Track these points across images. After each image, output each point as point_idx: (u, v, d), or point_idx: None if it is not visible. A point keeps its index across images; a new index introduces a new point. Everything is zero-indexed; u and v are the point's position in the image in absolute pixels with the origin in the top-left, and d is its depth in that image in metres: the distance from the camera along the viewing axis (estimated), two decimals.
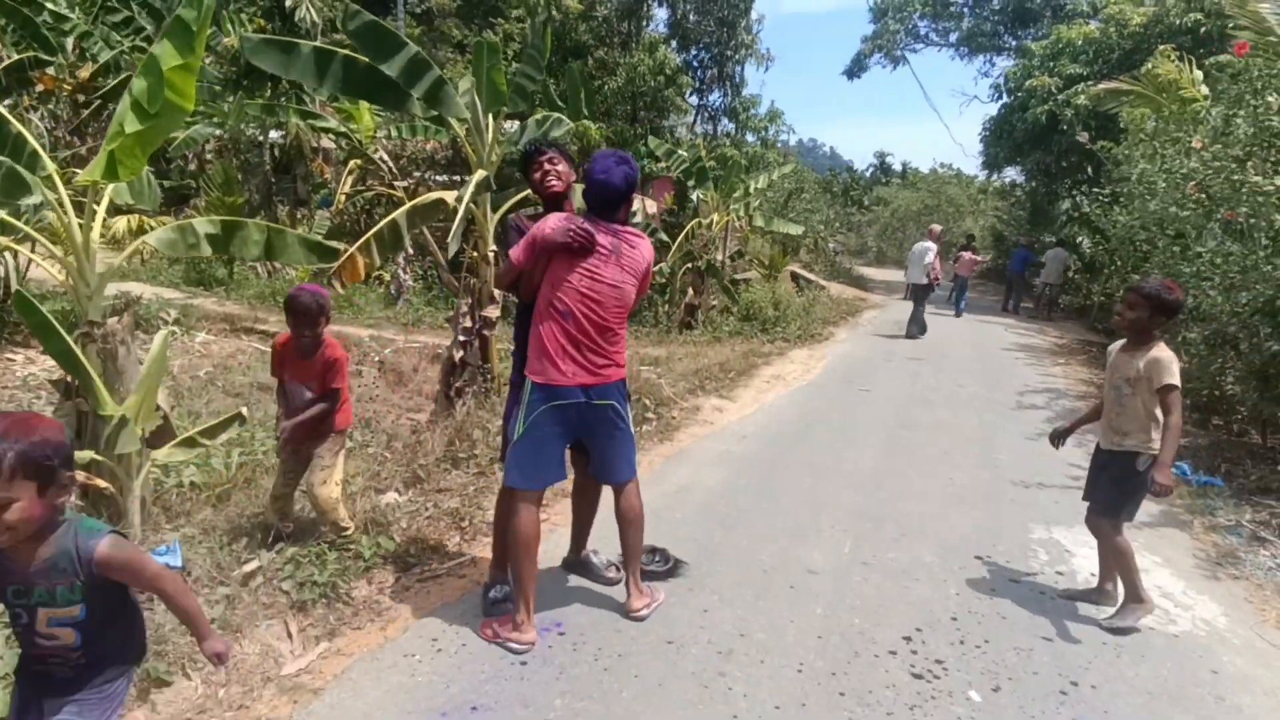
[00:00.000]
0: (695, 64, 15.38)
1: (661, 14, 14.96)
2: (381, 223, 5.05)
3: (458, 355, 5.77)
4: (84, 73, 14.28)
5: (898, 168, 41.46)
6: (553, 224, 2.80)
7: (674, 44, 14.35)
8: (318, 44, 5.16)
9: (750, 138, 13.44)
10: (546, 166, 3.02)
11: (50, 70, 13.51)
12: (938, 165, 39.35)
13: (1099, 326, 14.95)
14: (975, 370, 9.27)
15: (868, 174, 40.28)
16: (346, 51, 5.09)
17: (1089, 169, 16.71)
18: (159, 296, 9.74)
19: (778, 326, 11.11)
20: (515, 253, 2.87)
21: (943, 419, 6.72)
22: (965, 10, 22.65)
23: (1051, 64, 15.43)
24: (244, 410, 3.96)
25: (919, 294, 11.96)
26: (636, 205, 6.30)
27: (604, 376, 2.85)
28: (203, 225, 3.79)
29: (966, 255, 14.90)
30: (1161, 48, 13.36)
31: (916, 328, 11.84)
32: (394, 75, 4.96)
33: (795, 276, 17.46)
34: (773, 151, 13.68)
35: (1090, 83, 14.59)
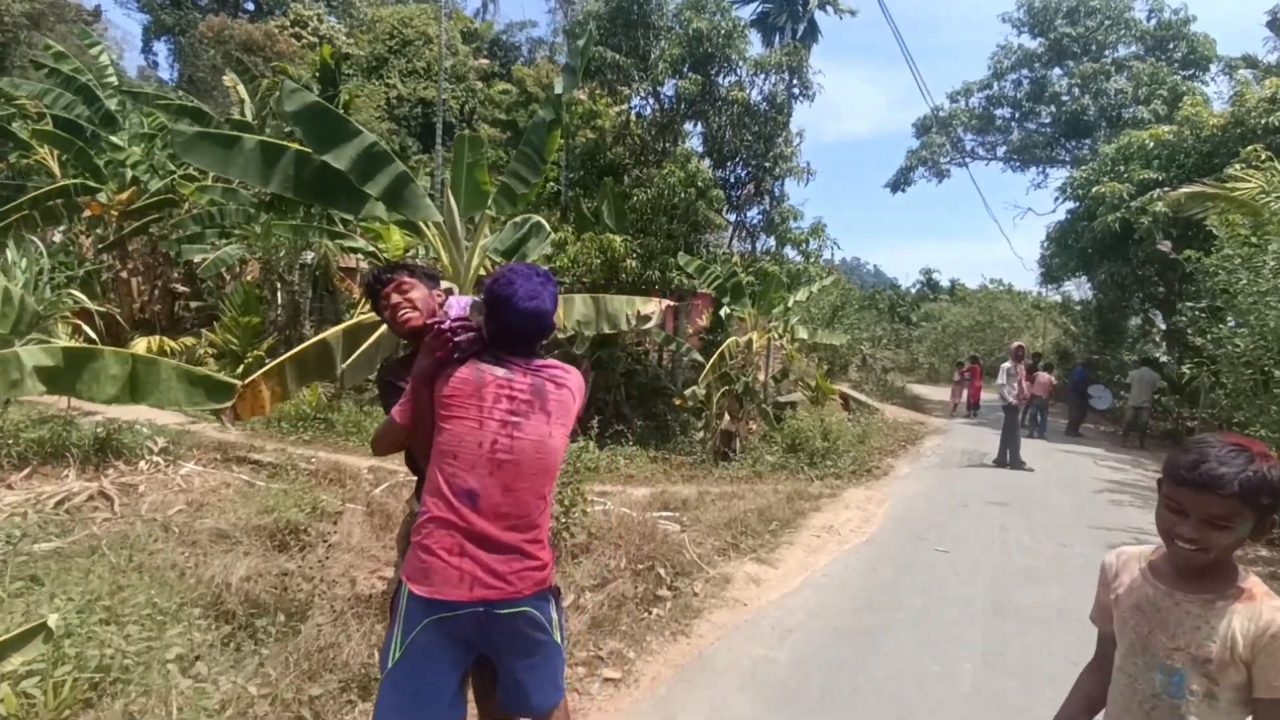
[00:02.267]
0: (731, 180, 14.78)
1: (697, 131, 14.55)
2: (304, 345, 3.97)
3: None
4: (123, 196, 14.44)
5: (945, 284, 40.88)
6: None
7: (708, 161, 13.81)
8: (265, 138, 4.29)
9: (791, 253, 12.49)
10: (394, 297, 2.42)
11: (100, 197, 13.74)
12: (987, 281, 38.75)
13: None
14: (1075, 520, 7.58)
15: (914, 291, 39.79)
16: (299, 145, 4.20)
17: (1169, 281, 15.26)
18: (152, 423, 8.89)
19: (828, 460, 9.63)
20: (397, 410, 2.17)
21: (1056, 600, 5.09)
22: (1013, 124, 22.09)
23: (1121, 169, 14.35)
24: (51, 620, 2.73)
25: (1008, 418, 10.63)
26: (652, 309, 5.17)
27: (514, 587, 2.00)
28: (32, 356, 2.70)
29: (1044, 376, 13.36)
30: (1248, 149, 12.22)
31: (1011, 459, 10.51)
32: (345, 169, 4.02)
33: (845, 399, 16.04)
34: (815, 267, 12.65)
35: (1166, 189, 13.40)
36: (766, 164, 12.59)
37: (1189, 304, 10.35)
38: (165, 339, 12.33)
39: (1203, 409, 13.78)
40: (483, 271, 4.99)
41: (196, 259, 13.56)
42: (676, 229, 12.33)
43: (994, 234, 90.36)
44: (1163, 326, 20.14)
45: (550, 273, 2.20)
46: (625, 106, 15.76)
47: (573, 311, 5.19)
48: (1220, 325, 10.32)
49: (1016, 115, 21.95)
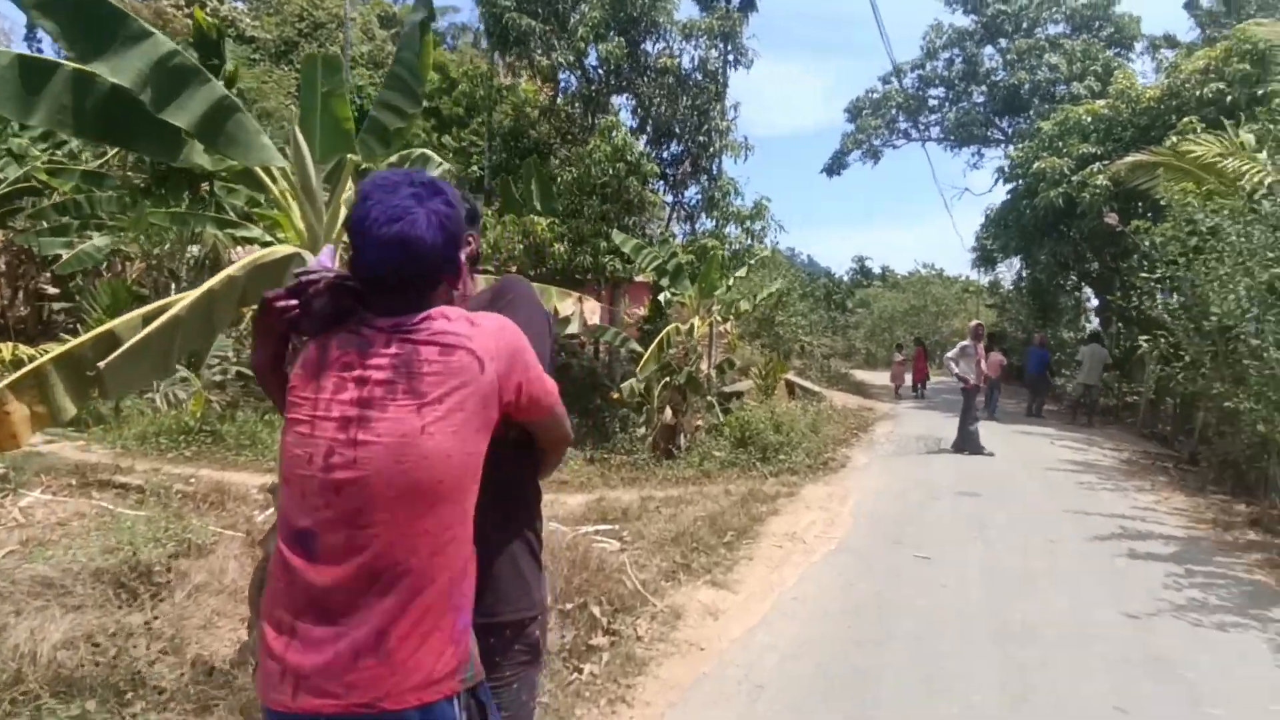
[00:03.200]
0: (668, 158, 13.86)
1: (628, 106, 13.54)
2: (75, 341, 2.79)
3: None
4: None
5: (877, 271, 41.46)
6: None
7: (644, 139, 12.84)
8: (27, 54, 3.07)
9: (734, 231, 11.63)
10: None
11: None
12: (919, 266, 39.34)
13: (1148, 432, 12.78)
14: (1051, 509, 6.92)
15: (847, 278, 40.26)
16: (77, 66, 3.00)
17: (1113, 255, 15.05)
18: None
19: (781, 454, 8.80)
20: None
21: (1065, 612, 4.32)
22: (947, 103, 21.87)
23: (1059, 145, 14.04)
24: None
25: (967, 400, 9.91)
26: (570, 309, 4.13)
27: (360, 694, 1.18)
28: None
29: (996, 356, 12.89)
30: (1184, 120, 11.99)
31: (968, 443, 9.83)
32: (131, 85, 2.85)
33: (790, 386, 15.36)
34: (759, 246, 11.84)
35: (1105, 162, 13.12)
36: (702, 137, 11.68)
37: (1143, 274, 9.95)
38: (20, 346, 10.64)
39: (1146, 384, 13.61)
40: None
41: (57, 254, 11.84)
42: (609, 209, 11.33)
43: (924, 219, 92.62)
44: (1094, 303, 20.27)
45: (442, 183, 1.35)
46: (548, 81, 14.67)
47: None
48: (1174, 295, 9.99)
49: (950, 94, 21.75)
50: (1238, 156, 8.57)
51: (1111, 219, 11.83)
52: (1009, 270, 26.47)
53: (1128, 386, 15.78)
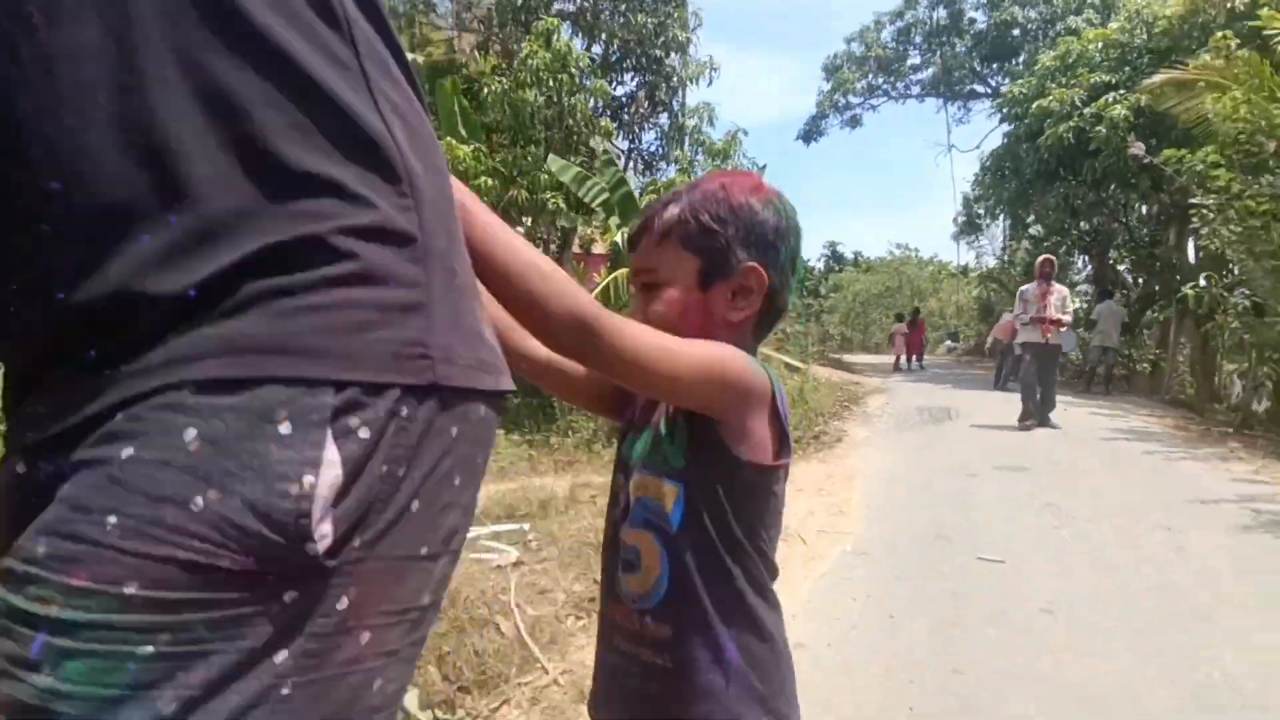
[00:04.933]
0: (621, 97, 11.85)
1: (569, 16, 11.49)
2: None
3: None
4: None
5: (849, 256, 40.69)
6: None
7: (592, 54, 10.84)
8: None
9: (700, 161, 9.68)
10: None
11: None
12: (894, 247, 38.72)
13: (1170, 399, 11.12)
14: (1136, 487, 5.07)
15: (820, 265, 39.59)
16: None
17: (1132, 196, 13.40)
18: None
19: None
20: None
21: (1261, 648, 2.44)
22: (929, 53, 20.12)
23: (1064, 78, 12.31)
24: None
25: (1047, 361, 7.51)
26: None
27: None
28: None
29: (1008, 317, 11.15)
30: (1217, 36, 10.30)
31: (1037, 408, 7.48)
32: None
33: (767, 358, 13.49)
34: None
35: (1121, 91, 11.41)
36: (658, 52, 9.68)
37: (1193, 201, 8.26)
38: None
39: (1172, 344, 11.99)
40: None
41: None
42: (551, 136, 9.31)
43: (901, 201, 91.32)
44: (1085, 272, 18.77)
45: None
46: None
47: None
48: (1227, 228, 8.27)
49: (932, 45, 20.01)
50: None
51: (1138, 148, 10.12)
52: (991, 243, 25.10)
53: (1136, 353, 14.19)
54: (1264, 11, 8.28)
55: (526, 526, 4.06)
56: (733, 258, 0.85)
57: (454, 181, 0.62)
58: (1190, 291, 8.37)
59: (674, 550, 0.83)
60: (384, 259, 0.50)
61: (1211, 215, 8.11)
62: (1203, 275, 8.62)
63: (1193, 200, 8.17)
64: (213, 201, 0.46)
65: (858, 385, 13.01)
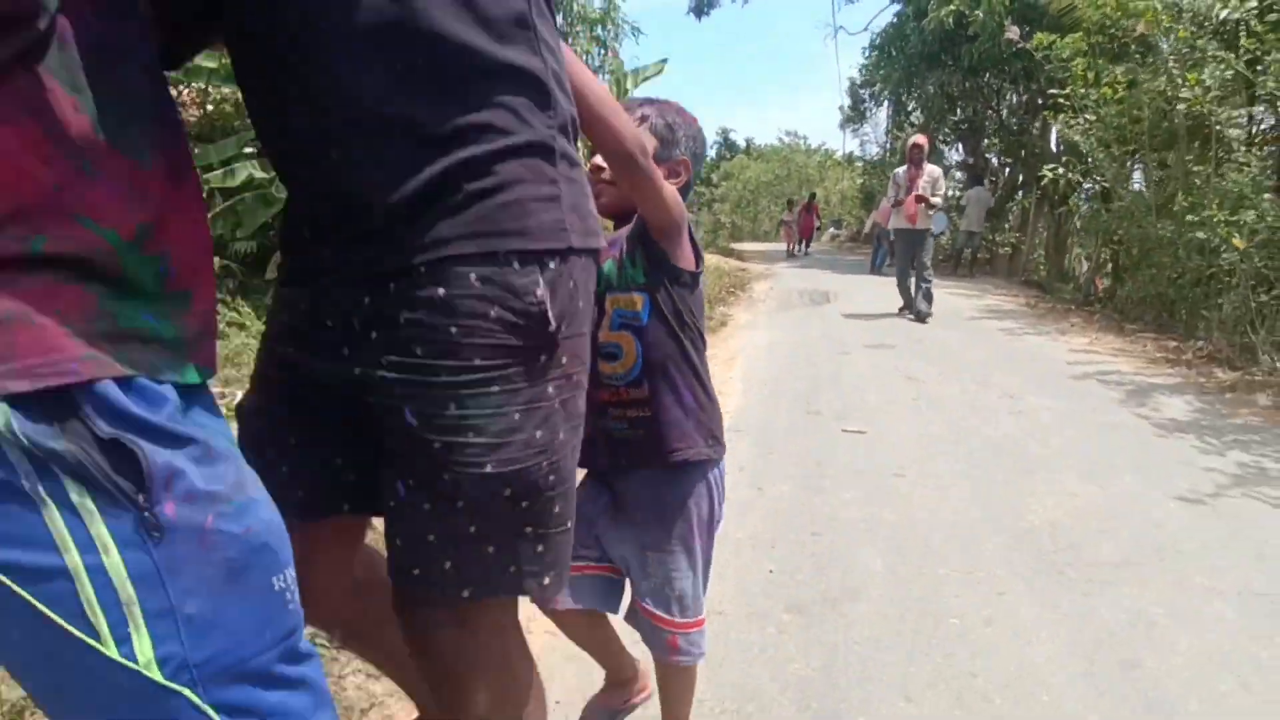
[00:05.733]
0: None
1: None
2: None
3: None
4: None
5: (741, 144, 40.57)
6: None
7: None
8: None
9: (582, 38, 9.08)
10: None
11: None
12: (783, 135, 38.82)
13: (1025, 280, 12.04)
14: (986, 358, 5.49)
15: (712, 152, 39.18)
16: None
17: (1005, 84, 13.82)
18: None
19: None
20: None
21: (1099, 500, 2.75)
22: None
23: None
24: None
25: (923, 242, 7.31)
26: None
27: None
28: None
29: (885, 204, 11.49)
30: None
31: (922, 301, 7.26)
32: None
33: None
34: (613, 62, 9.41)
35: None
36: None
37: (1052, 92, 8.61)
38: None
39: (1030, 227, 12.83)
40: None
41: None
42: None
43: (790, 86, 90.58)
44: (957, 159, 19.53)
45: None
46: None
47: None
48: (1082, 116, 8.70)
49: None
50: None
51: (1013, 33, 10.30)
52: (874, 131, 25.54)
53: (999, 237, 15.13)
54: None
55: None
56: (675, 150, 1.33)
57: (566, 52, 0.92)
58: (1048, 174, 8.86)
59: (645, 338, 1.26)
60: (537, 167, 0.81)
61: (1065, 104, 8.48)
62: (1061, 161, 9.10)
63: (1051, 91, 8.49)
64: (445, 122, 0.76)
65: (745, 271, 13.26)
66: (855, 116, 22.34)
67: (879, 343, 6.05)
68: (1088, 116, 8.48)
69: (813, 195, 21.26)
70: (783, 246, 19.88)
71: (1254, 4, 5.82)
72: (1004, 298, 9.61)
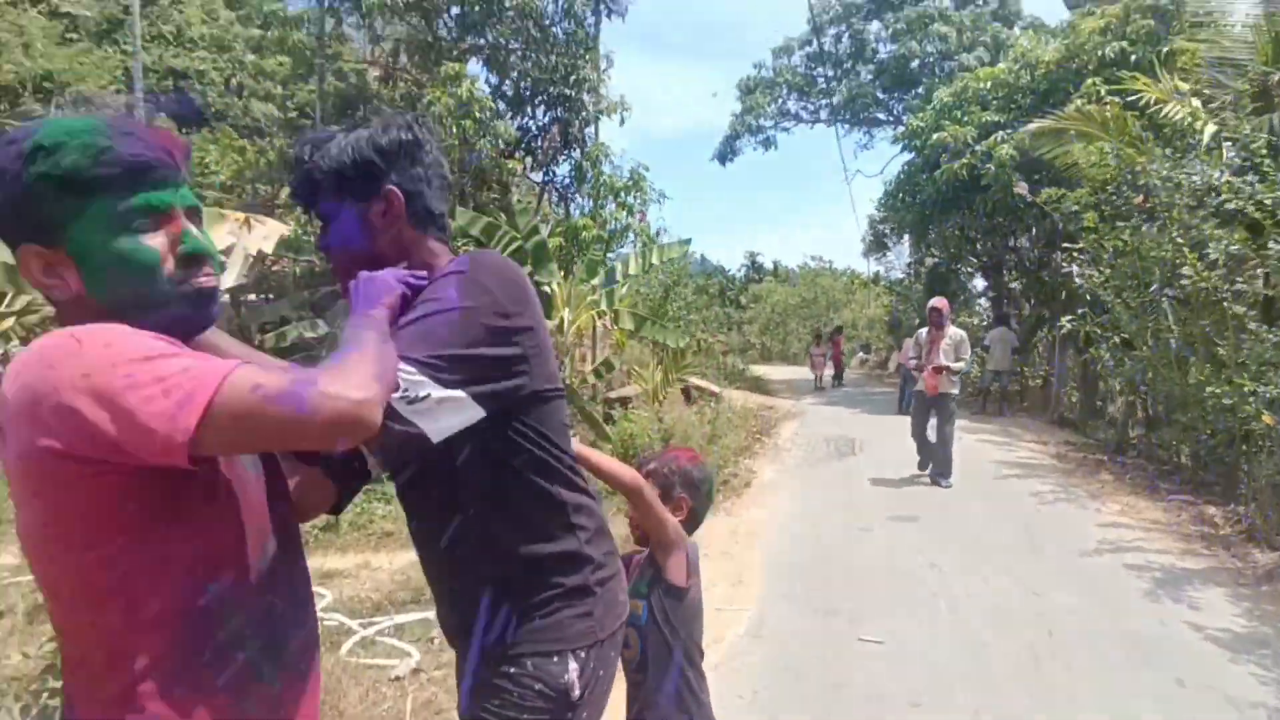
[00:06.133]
0: (533, 129, 11.85)
1: (484, 71, 11.39)
2: None
3: None
4: None
5: (768, 266, 41.65)
6: None
7: (503, 104, 10.78)
8: None
9: (611, 208, 9.78)
10: None
11: None
12: (809, 259, 39.96)
13: (1057, 419, 11.94)
14: (1013, 538, 5.44)
15: (740, 274, 40.43)
16: None
17: (1012, 233, 14.30)
18: None
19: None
20: None
21: None
22: (835, 82, 20.88)
23: (959, 113, 13.04)
24: None
25: (948, 410, 7.13)
26: (228, 240, 2.23)
27: None
28: None
29: (908, 343, 11.70)
30: (1088, 82, 11.17)
31: (938, 465, 7.15)
32: None
33: (685, 388, 13.70)
34: (642, 229, 10.05)
35: (1008, 130, 12.17)
36: (569, 90, 9.73)
37: (1065, 245, 8.92)
38: None
39: (1059, 368, 12.85)
40: None
41: None
42: (460, 180, 9.22)
43: (816, 212, 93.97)
44: (981, 285, 19.81)
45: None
46: (377, 39, 12.33)
47: None
48: (1096, 268, 8.93)
49: (839, 73, 20.79)
50: (1180, 102, 7.48)
51: (1023, 189, 10.82)
52: (898, 258, 26.19)
53: (1028, 370, 15.13)
54: (1124, 73, 8.99)
55: (432, 615, 4.03)
56: (674, 491, 1.90)
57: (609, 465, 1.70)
58: (1065, 324, 9.00)
59: (644, 635, 1.74)
60: (578, 581, 1.28)
61: (1079, 257, 8.74)
62: (1084, 303, 9.26)
63: (1065, 245, 8.79)
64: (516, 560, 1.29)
65: (772, 410, 13.40)
66: (876, 247, 23.04)
67: (902, 514, 6.05)
68: (1102, 269, 8.72)
69: (838, 328, 21.63)
70: (809, 375, 20.06)
71: (1250, 189, 6.01)
72: (1034, 446, 9.54)
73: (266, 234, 5.87)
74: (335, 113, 12.58)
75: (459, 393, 1.09)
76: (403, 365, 1.04)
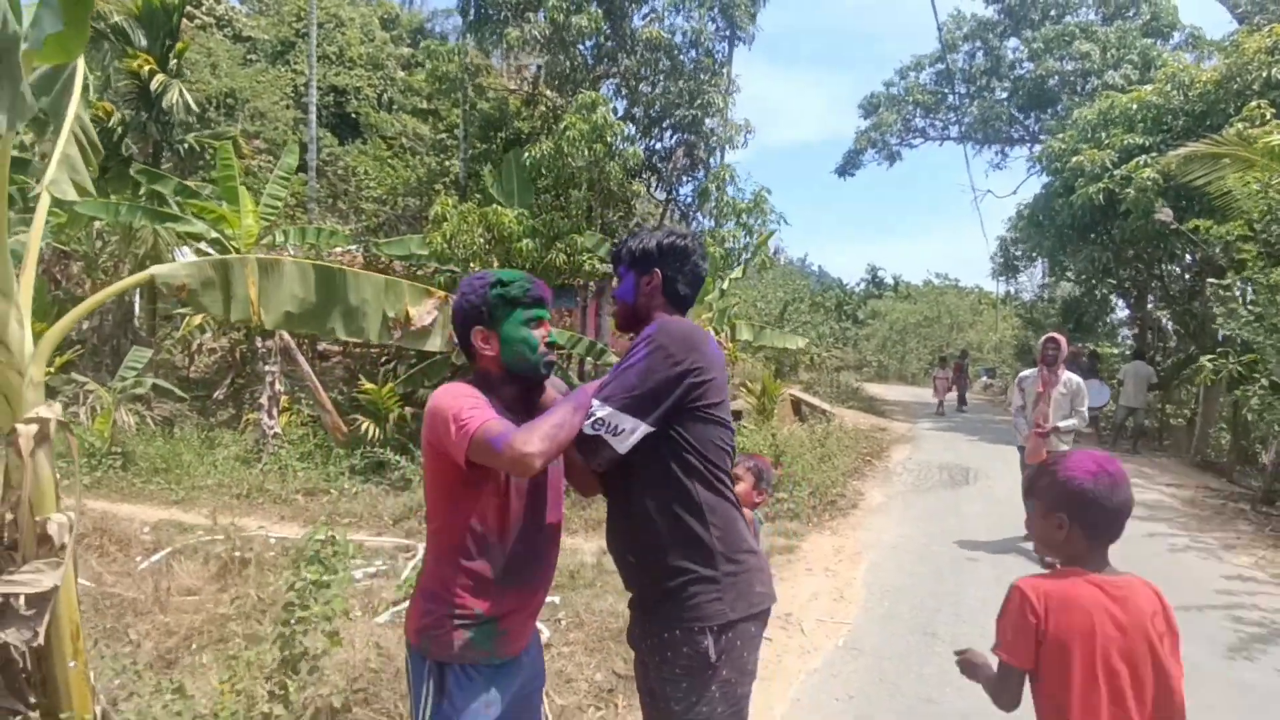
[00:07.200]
0: (660, 151, 12.43)
1: (616, 93, 12.08)
2: None
3: None
4: None
5: (890, 281, 40.35)
6: None
7: (632, 127, 11.41)
8: None
9: (730, 227, 10.16)
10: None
11: None
12: (932, 276, 38.45)
13: (1200, 461, 11.17)
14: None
15: (860, 289, 39.35)
16: None
17: (1160, 258, 13.47)
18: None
19: (781, 491, 7.30)
20: None
21: None
22: (968, 99, 20.29)
23: (1101, 135, 12.49)
24: None
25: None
26: (429, 316, 2.72)
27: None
28: None
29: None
30: (1250, 106, 10.45)
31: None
32: None
33: (796, 404, 13.83)
34: (762, 249, 10.36)
35: (1154, 154, 11.56)
36: (695, 112, 10.20)
37: (1212, 280, 8.46)
38: None
39: (1202, 407, 12.01)
40: None
41: None
42: (585, 199, 9.89)
43: (940, 229, 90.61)
44: (1123, 314, 18.59)
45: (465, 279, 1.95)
46: (520, 66, 13.31)
47: (277, 289, 2.71)
48: (1247, 305, 8.42)
49: (971, 90, 20.19)
50: None
51: (1165, 214, 10.27)
52: (1030, 281, 24.95)
53: (1171, 409, 14.16)
54: None
55: (558, 600, 4.54)
56: (762, 483, 3.00)
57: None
58: (1207, 364, 8.53)
59: None
60: (709, 572, 1.71)
61: (1226, 294, 8.28)
62: (1221, 352, 8.75)
63: (1211, 281, 8.34)
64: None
65: (884, 432, 13.28)
66: (1007, 268, 22.12)
67: (1008, 548, 6.05)
68: (1251, 307, 8.23)
69: (964, 352, 20.95)
70: (928, 396, 19.55)
71: None
72: (1170, 488, 9.06)
73: None
74: (480, 133, 13.69)
75: (642, 424, 1.68)
76: (610, 409, 1.67)
